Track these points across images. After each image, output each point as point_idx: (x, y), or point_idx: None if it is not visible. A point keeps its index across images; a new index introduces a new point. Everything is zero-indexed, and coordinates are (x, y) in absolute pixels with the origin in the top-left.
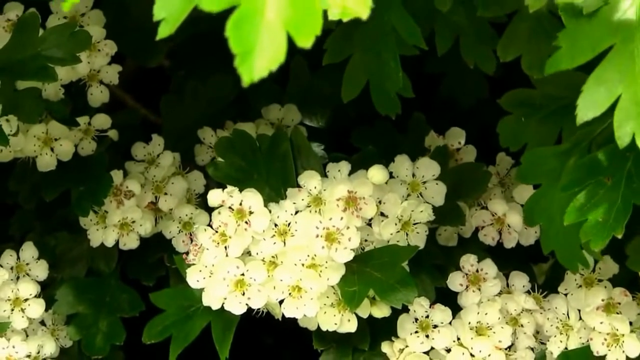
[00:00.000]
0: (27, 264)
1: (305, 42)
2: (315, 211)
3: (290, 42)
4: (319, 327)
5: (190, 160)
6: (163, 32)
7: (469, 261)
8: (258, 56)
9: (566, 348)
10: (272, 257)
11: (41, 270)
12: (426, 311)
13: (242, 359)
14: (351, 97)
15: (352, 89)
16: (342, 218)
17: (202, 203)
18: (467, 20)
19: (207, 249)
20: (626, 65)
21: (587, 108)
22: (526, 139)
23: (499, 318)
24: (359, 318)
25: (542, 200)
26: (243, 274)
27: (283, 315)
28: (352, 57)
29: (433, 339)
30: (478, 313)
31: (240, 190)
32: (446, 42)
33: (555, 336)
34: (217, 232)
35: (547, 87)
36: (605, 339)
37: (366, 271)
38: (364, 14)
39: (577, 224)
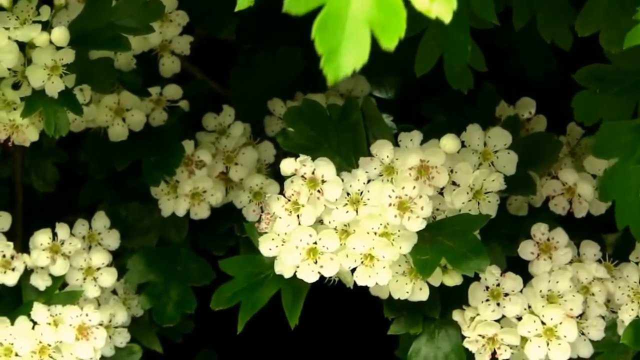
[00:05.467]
0: (99, 233)
1: (390, 42)
2: (388, 180)
3: None
4: (390, 295)
5: (258, 132)
6: (242, 4)
7: (540, 230)
8: (343, 55)
9: (637, 316)
10: (345, 225)
11: (113, 239)
12: (497, 279)
13: (310, 328)
14: (424, 71)
15: (426, 63)
16: (414, 187)
17: (272, 173)
18: None
19: (280, 218)
20: None
21: None
22: (601, 114)
23: (570, 286)
24: (430, 286)
25: (617, 174)
26: (316, 243)
27: (354, 284)
28: (426, 31)
29: (504, 307)
30: (549, 281)
31: (312, 159)
32: (523, 19)
33: (626, 304)
34: (289, 200)
35: (622, 61)
36: None
37: (438, 240)
38: (447, 17)
39: None
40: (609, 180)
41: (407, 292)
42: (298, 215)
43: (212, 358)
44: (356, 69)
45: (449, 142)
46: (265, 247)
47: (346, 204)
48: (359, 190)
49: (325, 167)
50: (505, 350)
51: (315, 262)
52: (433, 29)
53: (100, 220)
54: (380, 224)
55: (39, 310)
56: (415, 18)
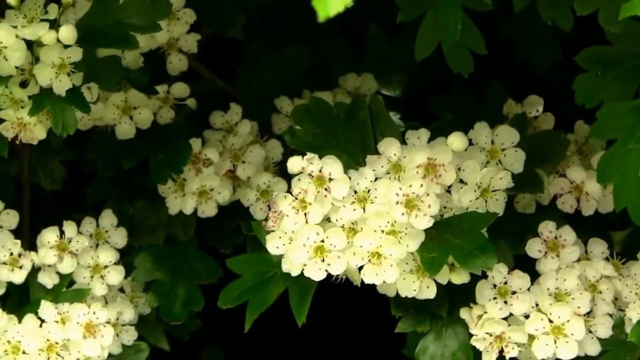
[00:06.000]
0: (107, 231)
1: None
2: (395, 178)
3: (365, 12)
4: (397, 293)
5: (266, 130)
6: None
7: (547, 227)
8: None
9: None
10: (352, 223)
11: (120, 237)
12: (505, 277)
13: (317, 326)
14: (424, 55)
15: (425, 47)
16: (421, 185)
17: (279, 171)
18: None
19: (287, 216)
20: None
21: None
22: (602, 97)
23: (578, 284)
24: (437, 284)
25: (617, 155)
26: (323, 241)
27: (362, 282)
28: (426, 15)
29: (511, 305)
30: (557, 279)
31: (319, 157)
32: (523, 0)
33: (634, 302)
34: (297, 198)
35: (623, 43)
36: None
37: (445, 238)
38: None
39: None
40: (609, 162)
41: (415, 290)
42: (305, 214)
43: (218, 356)
44: (347, 4)
45: (456, 140)
46: (273, 245)
47: (353, 202)
48: (366, 188)
49: (332, 165)
50: (513, 348)
51: (323, 260)
52: (433, 12)
53: (108, 218)
54: (388, 222)
55: (46, 308)
56: (415, 2)
